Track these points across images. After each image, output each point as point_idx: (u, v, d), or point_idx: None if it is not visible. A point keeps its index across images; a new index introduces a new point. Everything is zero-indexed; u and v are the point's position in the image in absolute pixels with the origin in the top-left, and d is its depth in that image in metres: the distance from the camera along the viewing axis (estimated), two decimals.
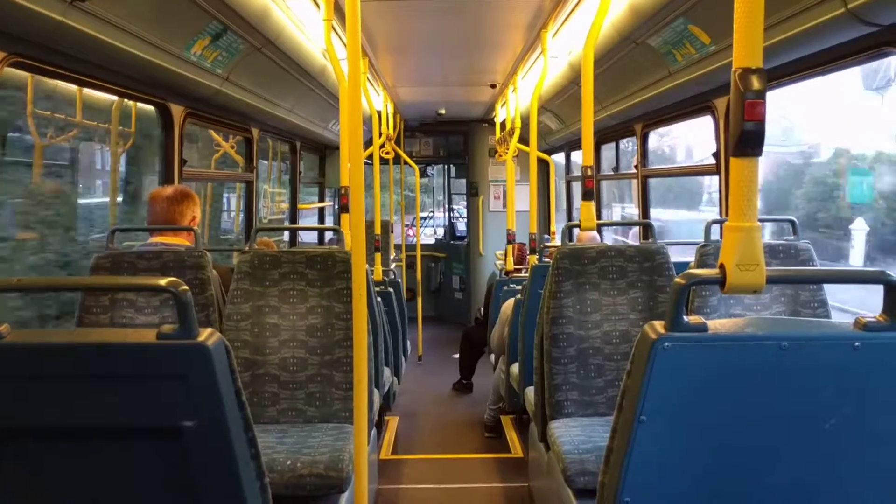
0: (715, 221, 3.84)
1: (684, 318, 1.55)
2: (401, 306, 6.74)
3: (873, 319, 1.57)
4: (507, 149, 7.62)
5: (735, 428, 1.61)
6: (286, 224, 8.32)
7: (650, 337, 1.55)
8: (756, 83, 1.52)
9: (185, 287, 1.54)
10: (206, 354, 1.50)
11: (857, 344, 1.55)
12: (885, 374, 1.58)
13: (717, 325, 1.59)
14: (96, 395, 1.55)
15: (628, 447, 1.58)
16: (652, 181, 6.10)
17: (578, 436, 3.38)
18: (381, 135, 7.91)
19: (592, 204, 3.71)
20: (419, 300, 9.86)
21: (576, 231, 5.27)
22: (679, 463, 1.62)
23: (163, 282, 1.55)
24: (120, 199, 5.43)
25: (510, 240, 7.00)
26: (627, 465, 1.59)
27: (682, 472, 1.62)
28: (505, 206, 10.49)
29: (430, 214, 14.81)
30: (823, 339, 1.58)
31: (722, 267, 1.58)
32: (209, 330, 1.55)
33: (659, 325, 1.57)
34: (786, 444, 1.61)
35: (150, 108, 4.51)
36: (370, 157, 7.50)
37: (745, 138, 1.54)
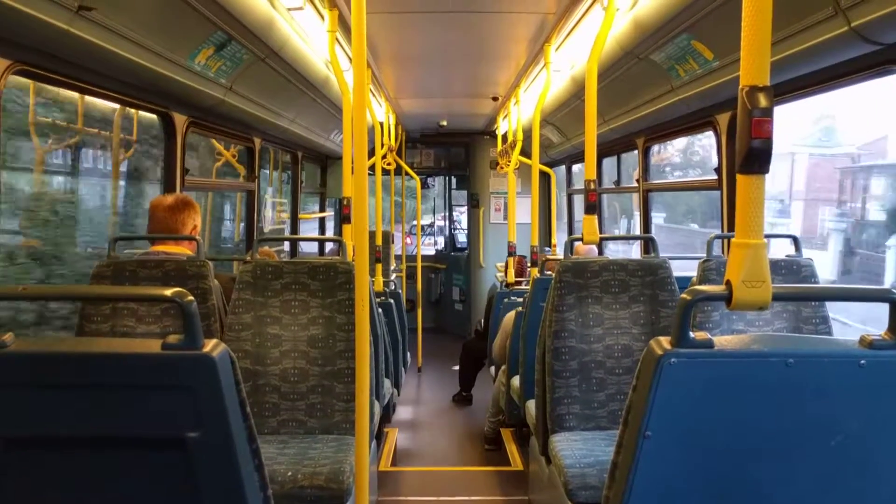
0: (717, 237, 3.84)
1: (690, 333, 1.55)
2: (401, 317, 6.73)
3: (879, 337, 1.57)
4: (509, 161, 7.63)
5: (740, 444, 1.61)
6: (287, 234, 8.32)
7: (656, 352, 1.55)
8: (763, 101, 1.53)
9: (191, 298, 1.54)
10: (212, 365, 1.50)
11: (862, 362, 1.55)
12: (891, 392, 1.58)
13: (722, 341, 1.58)
14: (100, 405, 1.54)
15: (633, 462, 1.58)
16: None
17: (580, 450, 3.38)
18: (382, 145, 7.92)
19: (595, 217, 3.72)
20: (419, 311, 9.85)
21: (576, 244, 5.28)
22: (684, 479, 1.61)
23: (168, 292, 1.55)
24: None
25: (511, 252, 7.00)
26: (632, 480, 1.59)
27: (688, 487, 1.62)
28: (506, 217, 10.49)
29: (431, 224, 14.81)
30: (829, 357, 1.57)
31: (728, 283, 1.58)
32: (214, 341, 1.55)
33: (665, 341, 1.57)
34: (791, 461, 1.61)
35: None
36: (372, 167, 7.50)
37: (752, 156, 1.54)
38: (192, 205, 3.80)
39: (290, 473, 3.10)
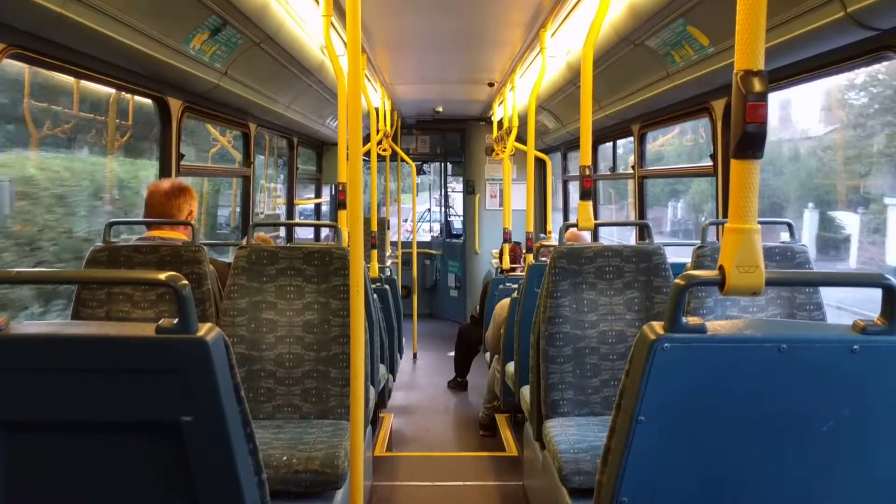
0: (711, 223, 3.84)
1: (683, 319, 1.56)
2: (396, 303, 6.74)
3: (871, 322, 1.58)
4: (504, 147, 7.62)
5: (733, 429, 1.61)
6: (282, 220, 8.32)
7: (649, 337, 1.55)
8: (758, 85, 1.52)
9: (185, 282, 1.54)
10: (205, 349, 1.50)
11: (855, 347, 1.55)
12: (883, 377, 1.59)
13: (715, 326, 1.59)
14: (94, 389, 1.54)
15: (626, 447, 1.59)
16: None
17: (574, 435, 3.39)
18: (378, 132, 7.91)
19: (590, 204, 3.72)
20: (415, 298, 9.87)
21: (573, 231, 5.29)
22: (677, 463, 1.62)
23: (162, 276, 1.55)
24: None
25: (506, 238, 7.00)
26: (625, 464, 1.60)
27: (680, 472, 1.63)
28: (501, 204, 10.49)
29: (427, 210, 14.80)
30: (822, 342, 1.58)
31: (721, 268, 1.59)
32: (208, 325, 1.55)
33: (658, 326, 1.57)
34: (783, 446, 1.62)
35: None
36: (367, 153, 7.50)
37: (746, 140, 1.54)
38: (188, 190, 3.80)
39: (284, 458, 3.11)
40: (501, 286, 6.36)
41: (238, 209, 6.97)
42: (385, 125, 8.21)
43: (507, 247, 7.05)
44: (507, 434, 6.14)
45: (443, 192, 12.80)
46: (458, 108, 10.10)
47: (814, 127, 5.62)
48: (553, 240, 8.18)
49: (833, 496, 1.66)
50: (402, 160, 10.15)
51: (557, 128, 8.20)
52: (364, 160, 8.05)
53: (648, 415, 1.57)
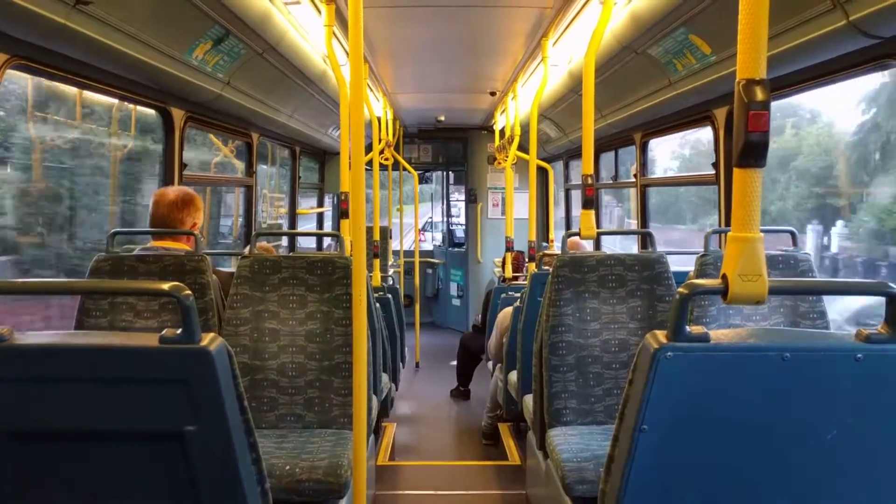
0: (714, 231, 3.84)
1: (686, 327, 1.55)
2: (399, 312, 6.73)
3: (875, 331, 1.57)
4: (506, 156, 7.62)
5: (736, 437, 1.61)
6: (285, 229, 8.33)
7: (652, 346, 1.55)
8: (760, 94, 1.53)
9: (189, 292, 1.54)
10: (209, 359, 1.50)
11: (859, 356, 1.55)
12: (887, 386, 1.58)
13: (719, 335, 1.59)
14: (98, 399, 1.55)
15: (629, 456, 1.58)
16: None
17: (577, 444, 3.38)
18: (380, 141, 7.92)
19: (592, 212, 3.72)
20: (417, 307, 9.86)
21: (575, 239, 5.29)
22: (680, 472, 1.62)
23: (166, 286, 1.55)
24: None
25: (509, 247, 7.00)
26: (628, 473, 1.59)
27: (683, 481, 1.62)
28: (503, 213, 10.49)
29: (429, 220, 14.79)
30: (825, 351, 1.58)
31: (724, 277, 1.59)
32: (212, 335, 1.55)
33: (661, 335, 1.57)
34: (787, 455, 1.61)
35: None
36: (369, 163, 7.51)
37: (748, 149, 1.54)
38: (193, 202, 3.78)
39: (287, 467, 3.10)
40: (504, 295, 6.36)
41: (241, 218, 6.98)
42: (387, 134, 8.23)
43: (509, 255, 7.05)
44: (509, 443, 6.12)
45: (445, 201, 12.80)
46: (459, 116, 10.12)
47: None
48: (555, 248, 8.18)
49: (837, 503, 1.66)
50: (404, 169, 10.17)
51: (559, 136, 8.21)
52: (366, 169, 8.07)
53: (651, 424, 1.57)
